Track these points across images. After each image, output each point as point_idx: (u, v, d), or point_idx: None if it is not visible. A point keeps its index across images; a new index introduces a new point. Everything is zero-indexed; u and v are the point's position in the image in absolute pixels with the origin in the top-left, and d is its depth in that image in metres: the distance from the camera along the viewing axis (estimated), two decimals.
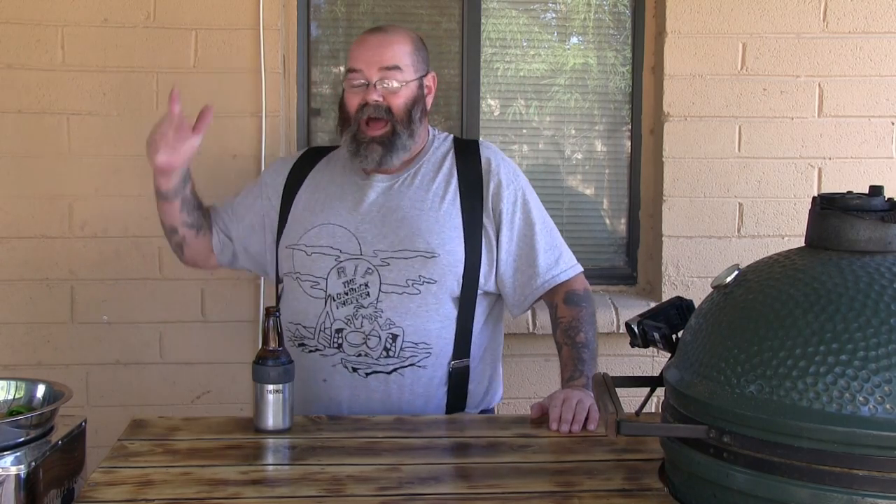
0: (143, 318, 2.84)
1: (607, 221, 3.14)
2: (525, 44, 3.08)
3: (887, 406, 1.21)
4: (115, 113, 2.79)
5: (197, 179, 2.80)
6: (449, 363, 2.13)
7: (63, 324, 2.82)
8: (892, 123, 2.93)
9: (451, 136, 2.30)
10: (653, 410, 2.61)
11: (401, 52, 2.14)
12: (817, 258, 1.39)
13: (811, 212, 1.46)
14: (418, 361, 2.09)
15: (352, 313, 2.08)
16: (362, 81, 2.11)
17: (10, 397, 1.81)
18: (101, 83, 2.77)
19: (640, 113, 3.04)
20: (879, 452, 1.22)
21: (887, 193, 1.43)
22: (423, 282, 2.08)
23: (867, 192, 1.43)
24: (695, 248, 2.93)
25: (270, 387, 1.84)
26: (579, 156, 3.11)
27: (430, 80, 2.21)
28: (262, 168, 2.78)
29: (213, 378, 2.85)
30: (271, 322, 1.86)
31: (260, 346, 1.91)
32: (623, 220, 3.12)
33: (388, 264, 2.08)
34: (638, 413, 1.66)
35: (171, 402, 2.82)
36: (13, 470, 1.56)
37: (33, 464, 1.59)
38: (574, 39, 3.09)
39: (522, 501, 1.55)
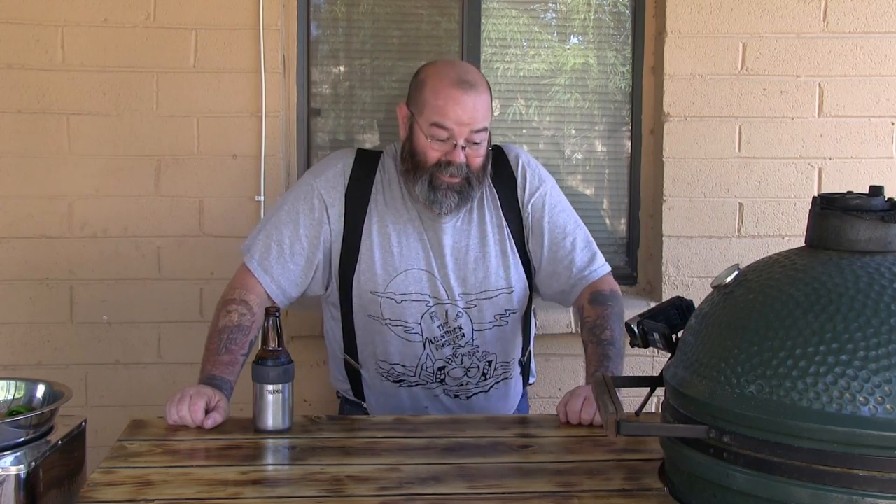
0: (143, 318, 2.83)
1: (607, 221, 3.14)
2: (525, 44, 3.07)
3: (887, 406, 1.21)
4: (115, 113, 2.78)
5: (197, 179, 2.82)
6: (520, 365, 2.32)
7: (63, 324, 2.82)
8: (892, 123, 2.93)
9: None
10: (653, 410, 2.61)
11: (487, 109, 2.09)
12: (817, 258, 1.39)
13: (811, 212, 1.46)
14: (508, 375, 2.27)
15: (451, 353, 2.19)
16: (449, 139, 2.05)
17: (10, 397, 1.82)
18: (101, 83, 2.77)
19: (640, 113, 3.04)
20: (879, 452, 1.22)
21: (887, 193, 1.43)
22: (509, 314, 2.21)
23: (867, 192, 1.43)
24: (695, 248, 2.93)
25: (270, 387, 1.85)
26: (579, 156, 3.11)
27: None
28: (262, 168, 2.78)
29: None
30: (271, 322, 1.86)
31: (260, 346, 1.91)
32: (623, 220, 3.12)
33: (476, 305, 2.18)
34: (638, 413, 1.66)
35: None
36: (13, 470, 1.56)
37: (33, 464, 1.59)
38: (574, 39, 3.09)
39: (522, 501, 1.54)
